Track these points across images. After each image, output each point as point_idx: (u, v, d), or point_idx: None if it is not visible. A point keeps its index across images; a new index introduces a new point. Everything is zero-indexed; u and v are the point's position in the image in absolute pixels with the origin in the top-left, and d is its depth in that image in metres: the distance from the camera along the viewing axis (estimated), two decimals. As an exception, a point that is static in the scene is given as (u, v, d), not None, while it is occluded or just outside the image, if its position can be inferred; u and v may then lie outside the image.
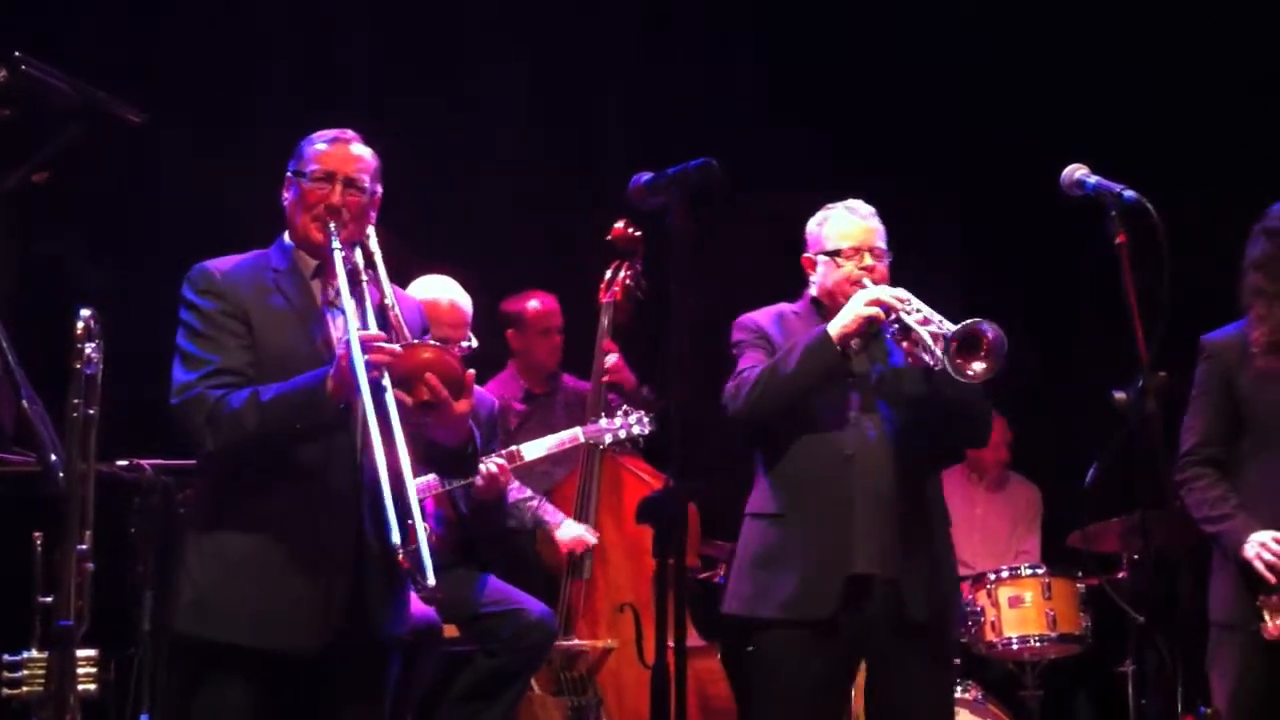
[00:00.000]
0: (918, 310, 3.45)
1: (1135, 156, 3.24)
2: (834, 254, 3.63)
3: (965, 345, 3.36)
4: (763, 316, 3.67)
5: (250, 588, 2.92)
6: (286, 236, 3.17)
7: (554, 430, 4.67)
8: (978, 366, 3.36)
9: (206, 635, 2.95)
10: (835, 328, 3.47)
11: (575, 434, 4.43)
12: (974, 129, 5.99)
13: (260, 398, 2.91)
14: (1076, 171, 3.24)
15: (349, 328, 2.90)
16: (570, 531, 4.71)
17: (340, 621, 2.94)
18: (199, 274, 3.08)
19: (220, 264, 3.10)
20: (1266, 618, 3.50)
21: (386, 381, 2.87)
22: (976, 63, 5.98)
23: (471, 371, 3.01)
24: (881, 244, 3.63)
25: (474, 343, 4.26)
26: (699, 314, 3.02)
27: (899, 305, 3.45)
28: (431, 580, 2.76)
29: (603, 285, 4.92)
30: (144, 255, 4.90)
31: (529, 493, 4.79)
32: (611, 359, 4.82)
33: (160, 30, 5.35)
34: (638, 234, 4.89)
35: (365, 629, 2.99)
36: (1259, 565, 3.49)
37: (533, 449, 4.35)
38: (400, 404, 2.88)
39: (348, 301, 2.94)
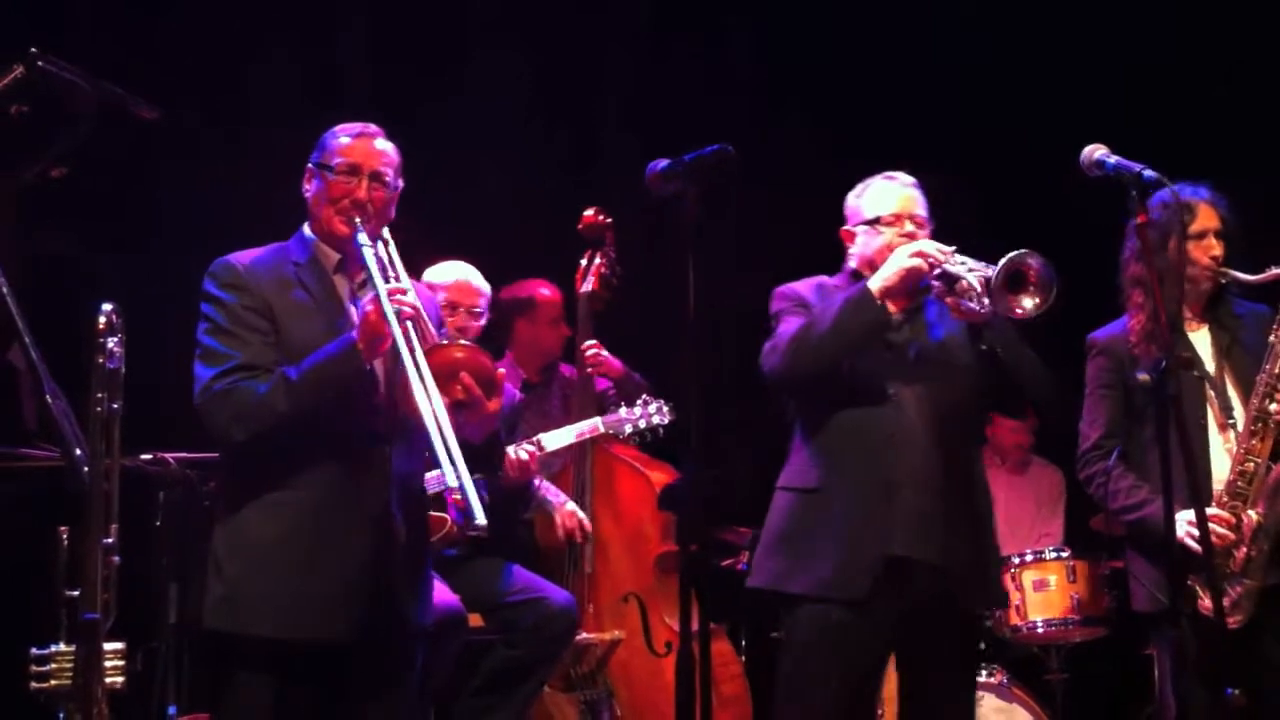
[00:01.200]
0: (961, 261, 3.32)
1: (1135, 154, 3.24)
2: (873, 222, 3.51)
3: (1012, 281, 3.23)
4: (802, 286, 3.56)
5: (278, 581, 2.93)
6: (306, 229, 3.16)
7: (551, 419, 4.67)
8: (1027, 303, 3.23)
9: (237, 630, 2.94)
10: (877, 283, 3.33)
11: (595, 424, 4.42)
12: (975, 127, 5.96)
13: (288, 377, 2.92)
14: (1096, 152, 3.23)
15: (375, 283, 2.90)
16: (569, 510, 4.69)
17: (368, 612, 2.95)
18: (222, 267, 3.07)
19: (242, 257, 3.09)
20: (1201, 594, 3.46)
21: (413, 333, 2.88)
22: (976, 62, 5.96)
23: (502, 370, 3.01)
24: (923, 212, 3.52)
25: (484, 313, 4.27)
26: (711, 301, 3.02)
27: (943, 256, 3.32)
28: (482, 520, 2.75)
29: (578, 276, 4.89)
30: (163, 250, 4.91)
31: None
32: (591, 351, 4.80)
33: (159, 25, 5.35)
34: (608, 221, 4.88)
35: (392, 619, 2.99)
36: (1191, 543, 3.43)
37: (554, 439, 4.34)
38: None
39: (378, 277, 2.93)
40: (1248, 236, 3.77)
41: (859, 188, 3.61)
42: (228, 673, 2.96)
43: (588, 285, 4.86)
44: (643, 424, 4.43)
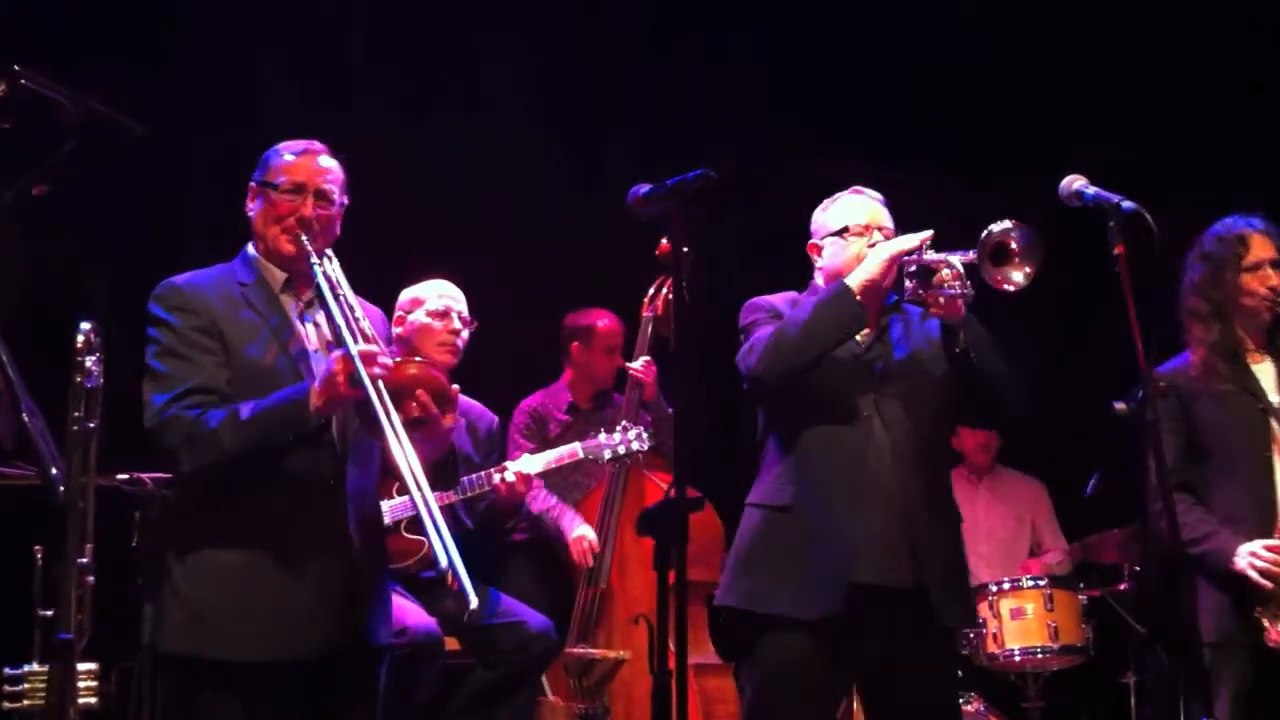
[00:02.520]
0: (937, 253, 3.29)
1: (1134, 157, 3.25)
2: (841, 232, 3.49)
3: (996, 256, 3.22)
4: (774, 298, 3.55)
5: (250, 601, 2.90)
6: (250, 248, 3.15)
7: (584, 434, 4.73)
8: (1016, 275, 3.21)
9: (207, 654, 2.90)
10: (858, 278, 3.30)
11: (574, 449, 4.44)
12: (975, 130, 5.98)
13: (239, 416, 2.89)
14: (1075, 182, 3.23)
15: (346, 342, 2.88)
16: (579, 533, 4.75)
17: (332, 630, 2.94)
18: (167, 289, 3.05)
19: (187, 279, 3.08)
20: (1266, 625, 3.50)
21: (383, 390, 2.85)
22: (976, 63, 5.98)
23: (456, 386, 3.01)
24: (890, 224, 3.50)
25: (470, 319, 4.33)
26: (705, 322, 3.03)
27: (922, 244, 3.29)
28: (474, 602, 2.74)
29: (646, 299, 4.96)
30: (145, 268, 4.89)
31: (553, 501, 4.82)
32: (639, 363, 4.88)
33: (159, 38, 5.35)
34: (685, 250, 4.90)
35: (361, 633, 2.99)
36: (1254, 574, 3.49)
37: (528, 464, 4.35)
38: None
39: (337, 315, 2.93)
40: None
41: (825, 203, 3.61)
42: (195, 697, 2.92)
43: (653, 309, 4.93)
44: (621, 450, 4.45)
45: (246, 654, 2.89)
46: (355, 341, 2.91)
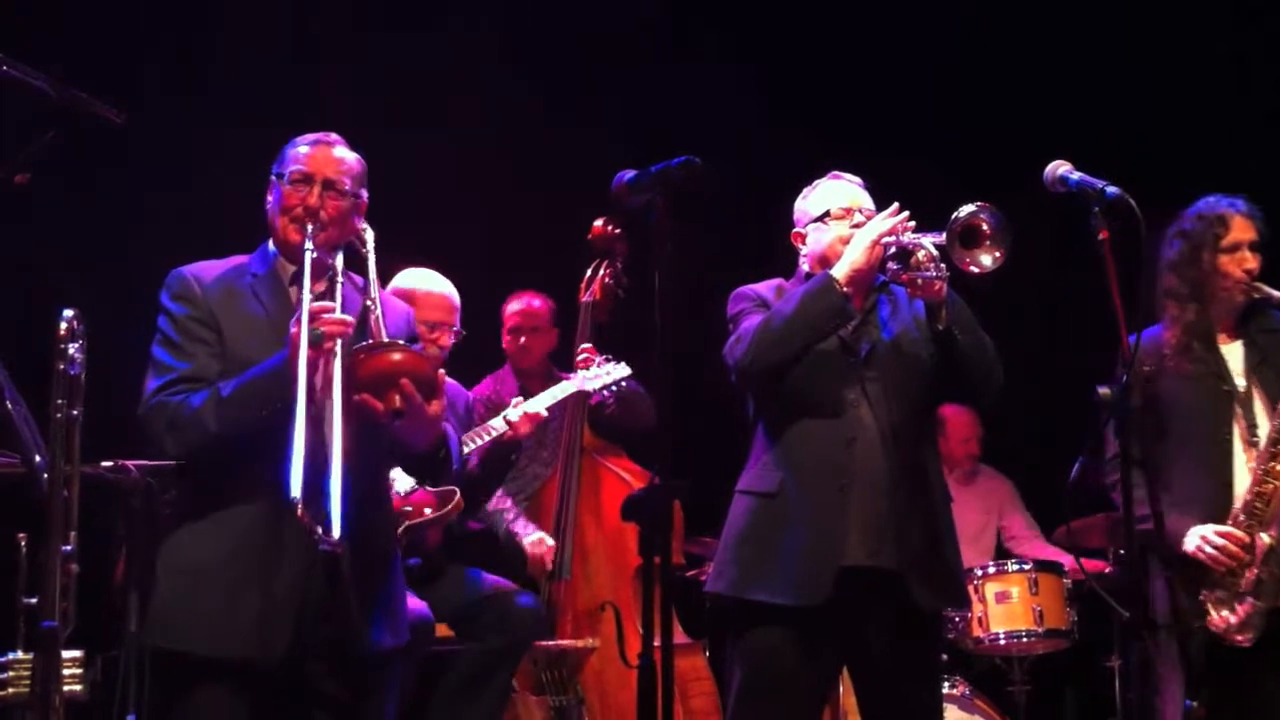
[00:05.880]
0: (914, 235, 3.32)
1: (1133, 156, 3.24)
2: (823, 217, 3.52)
3: (966, 239, 3.24)
4: (760, 286, 3.57)
5: (210, 597, 2.87)
6: (270, 243, 3.12)
7: (546, 428, 4.72)
8: (984, 259, 3.23)
9: (169, 646, 2.92)
10: (843, 269, 3.33)
11: (566, 385, 4.48)
12: (974, 129, 5.98)
13: (221, 393, 2.87)
14: (1060, 168, 3.23)
15: (302, 299, 2.85)
16: (535, 543, 4.74)
17: (309, 633, 2.86)
18: (175, 279, 3.05)
19: (198, 269, 3.07)
20: (1211, 611, 3.51)
21: (338, 348, 2.83)
22: (976, 63, 5.98)
23: (442, 371, 2.97)
24: (871, 206, 3.51)
25: (459, 330, 4.33)
26: (683, 312, 3.03)
27: (902, 227, 3.31)
28: (335, 533, 2.67)
29: (583, 285, 4.96)
30: (127, 256, 4.88)
31: (508, 504, 4.80)
32: (583, 357, 4.81)
33: (124, 23, 5.33)
34: (617, 232, 4.93)
35: (342, 640, 2.90)
36: (1203, 558, 3.50)
37: (533, 405, 4.35)
38: (371, 410, 2.84)
39: (306, 295, 2.87)
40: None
41: (805, 191, 3.63)
42: (174, 689, 2.92)
43: (590, 294, 4.91)
44: (607, 378, 4.52)
45: (198, 648, 2.86)
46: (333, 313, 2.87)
